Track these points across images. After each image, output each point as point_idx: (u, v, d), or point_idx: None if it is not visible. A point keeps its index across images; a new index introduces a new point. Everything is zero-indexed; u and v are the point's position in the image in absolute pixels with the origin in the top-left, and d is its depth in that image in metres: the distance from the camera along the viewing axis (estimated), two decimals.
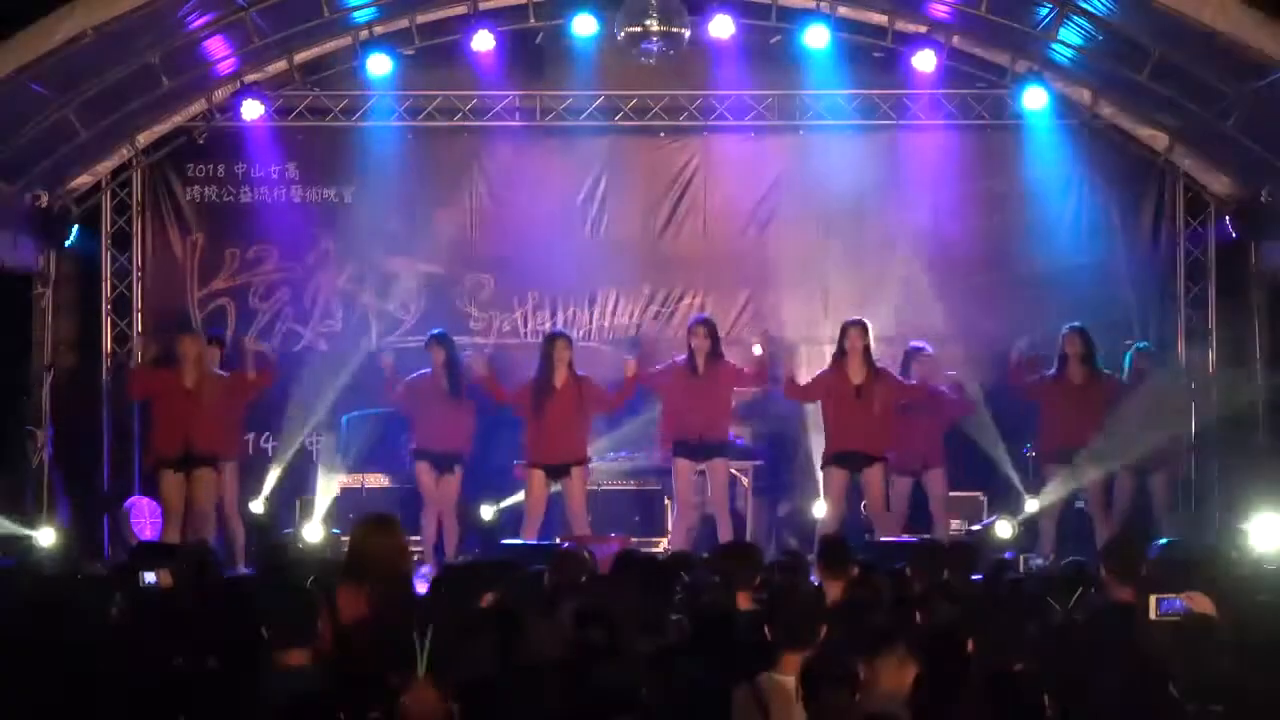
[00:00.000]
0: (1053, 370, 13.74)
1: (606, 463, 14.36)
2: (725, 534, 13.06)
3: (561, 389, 13.30)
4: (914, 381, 13.60)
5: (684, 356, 13.55)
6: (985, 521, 13.81)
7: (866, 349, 13.34)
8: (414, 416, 13.79)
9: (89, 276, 15.47)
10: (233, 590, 7.90)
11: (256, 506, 14.25)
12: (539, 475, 13.35)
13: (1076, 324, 13.76)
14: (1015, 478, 14.04)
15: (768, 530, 14.76)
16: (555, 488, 13.43)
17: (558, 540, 12.29)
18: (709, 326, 13.57)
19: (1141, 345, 14.18)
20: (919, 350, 13.88)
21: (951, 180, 15.39)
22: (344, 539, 13.08)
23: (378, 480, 14.42)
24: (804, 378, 13.57)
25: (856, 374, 13.33)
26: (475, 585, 7.56)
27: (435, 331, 14.03)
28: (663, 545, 13.75)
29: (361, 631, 7.03)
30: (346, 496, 14.22)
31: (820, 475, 13.56)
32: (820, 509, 13.63)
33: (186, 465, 13.12)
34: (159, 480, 13.33)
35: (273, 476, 14.48)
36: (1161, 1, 12.71)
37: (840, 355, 13.42)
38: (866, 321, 13.49)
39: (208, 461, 13.16)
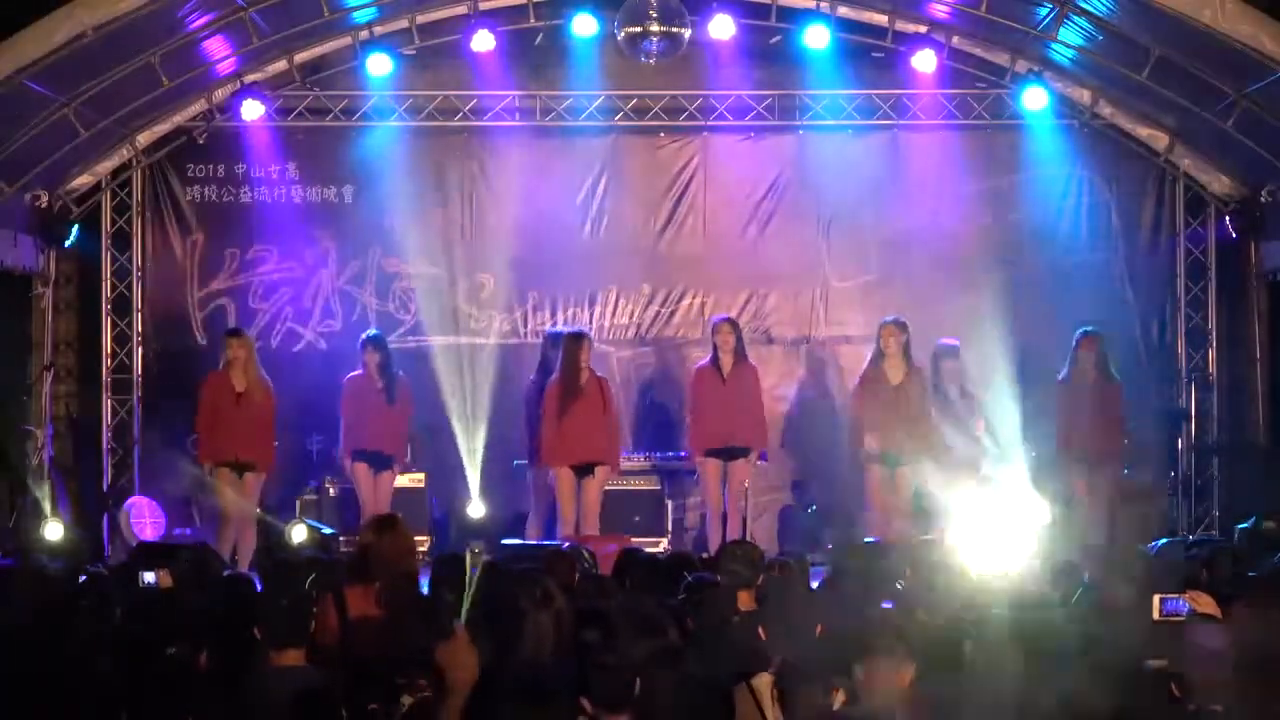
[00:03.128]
0: (1063, 374, 13.73)
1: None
2: (734, 534, 13.02)
3: (586, 388, 13.22)
4: (946, 382, 13.65)
5: (707, 360, 13.54)
6: None
7: (905, 347, 13.32)
8: (348, 419, 13.66)
9: (89, 276, 15.48)
10: (231, 589, 7.89)
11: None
12: (568, 474, 13.23)
13: (1090, 328, 13.74)
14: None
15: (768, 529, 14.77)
16: None
17: (559, 540, 12.28)
18: (734, 325, 13.55)
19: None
20: (950, 348, 13.84)
21: (951, 180, 15.40)
22: (340, 539, 13.13)
23: None
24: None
25: (895, 374, 13.32)
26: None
27: (370, 334, 13.98)
28: (663, 545, 13.75)
29: (369, 629, 7.04)
30: (344, 496, 14.21)
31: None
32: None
33: (236, 469, 13.04)
34: (215, 479, 13.09)
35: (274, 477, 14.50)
36: (1161, 1, 12.72)
37: (879, 356, 13.42)
38: (903, 319, 13.45)
39: (250, 467, 13.07)
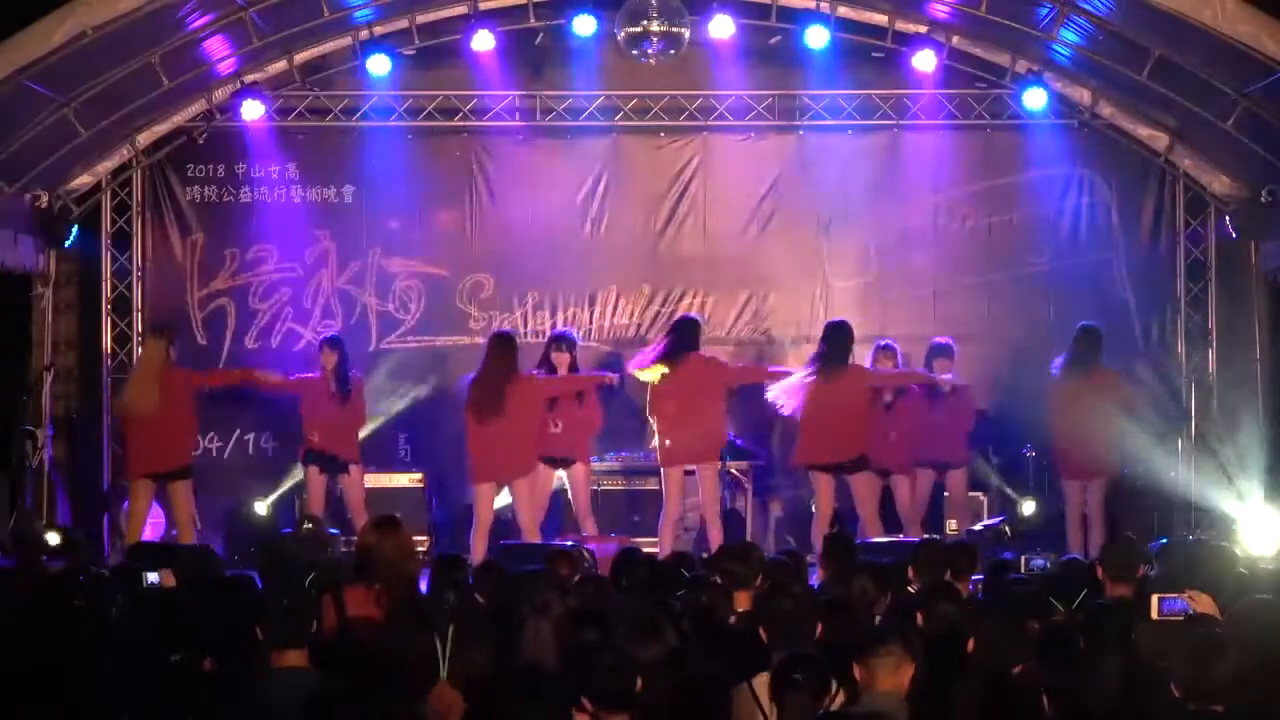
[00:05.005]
0: (1058, 373, 13.72)
1: (606, 462, 14.35)
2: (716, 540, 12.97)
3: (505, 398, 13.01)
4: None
5: None
6: (987, 523, 13.78)
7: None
8: (305, 418, 13.63)
9: (89, 276, 15.47)
10: (231, 590, 7.89)
11: (262, 508, 14.28)
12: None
13: (1082, 324, 13.71)
14: None
15: (764, 530, 14.76)
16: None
17: (559, 540, 12.28)
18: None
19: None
20: (943, 346, 13.77)
21: (951, 180, 15.40)
22: (341, 539, 13.12)
23: (377, 480, 14.35)
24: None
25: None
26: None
27: (329, 335, 14.00)
28: None
29: (368, 631, 7.05)
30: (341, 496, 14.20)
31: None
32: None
33: (160, 478, 13.06)
34: (131, 492, 13.27)
35: (275, 477, 14.51)
36: (1161, 1, 12.72)
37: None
38: (838, 320, 13.43)
39: (176, 476, 13.07)
